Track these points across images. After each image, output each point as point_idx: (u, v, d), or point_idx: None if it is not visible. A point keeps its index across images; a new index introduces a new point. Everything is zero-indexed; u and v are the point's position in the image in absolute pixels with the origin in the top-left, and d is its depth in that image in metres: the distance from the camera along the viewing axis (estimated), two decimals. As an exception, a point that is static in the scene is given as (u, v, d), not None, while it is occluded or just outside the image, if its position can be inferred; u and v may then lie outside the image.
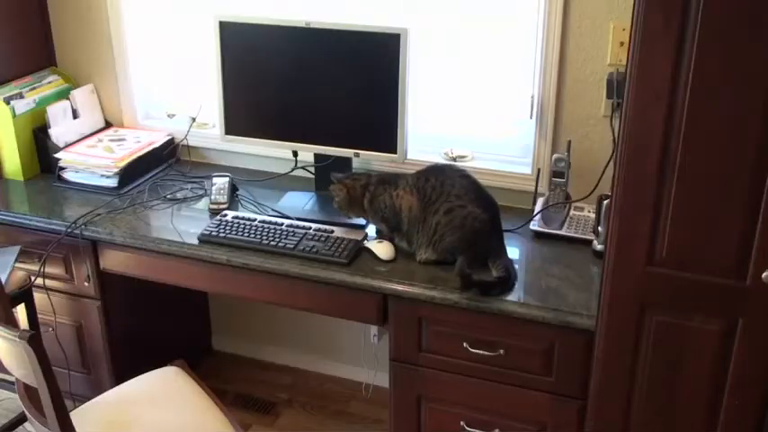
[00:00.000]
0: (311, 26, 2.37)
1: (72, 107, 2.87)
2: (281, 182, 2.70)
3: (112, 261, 2.49)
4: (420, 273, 2.17)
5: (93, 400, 2.24)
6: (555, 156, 2.38)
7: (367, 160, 2.62)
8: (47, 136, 2.79)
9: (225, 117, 2.55)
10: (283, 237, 2.29)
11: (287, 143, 2.54)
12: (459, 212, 2.15)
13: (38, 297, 2.57)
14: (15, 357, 1.82)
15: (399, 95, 2.33)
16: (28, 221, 2.53)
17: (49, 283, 2.56)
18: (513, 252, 2.32)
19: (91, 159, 2.71)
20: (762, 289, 1.70)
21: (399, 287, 2.12)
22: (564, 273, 2.17)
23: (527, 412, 2.16)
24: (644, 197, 1.72)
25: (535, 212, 2.39)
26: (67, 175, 2.74)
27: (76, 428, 1.90)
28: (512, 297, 2.07)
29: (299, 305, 2.40)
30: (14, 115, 2.72)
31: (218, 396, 2.26)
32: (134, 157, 2.73)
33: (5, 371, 2.02)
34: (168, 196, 2.63)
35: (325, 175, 2.57)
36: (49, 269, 2.54)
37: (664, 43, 1.60)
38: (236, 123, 2.55)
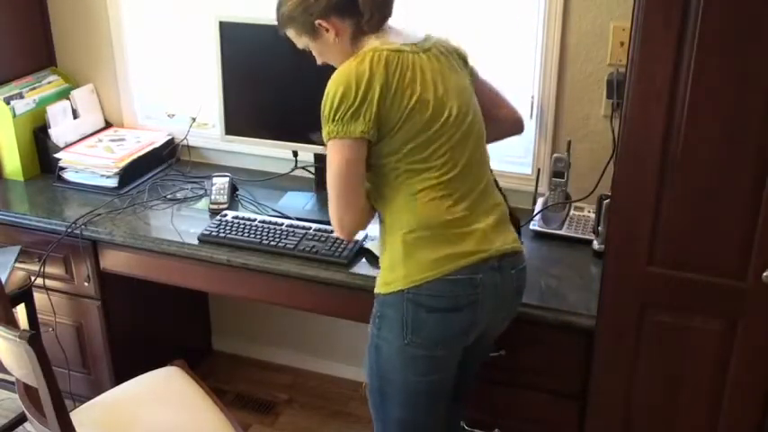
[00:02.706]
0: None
1: (72, 107, 2.87)
2: (281, 182, 2.70)
3: (112, 261, 2.49)
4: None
5: (93, 400, 2.24)
6: (555, 156, 2.38)
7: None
8: (47, 136, 2.79)
9: (225, 117, 2.55)
10: (283, 237, 2.29)
11: (287, 143, 2.54)
12: None
13: (38, 297, 2.57)
14: (15, 357, 1.82)
15: (399, 95, 2.33)
16: (28, 221, 2.53)
17: (48, 283, 2.56)
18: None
19: (91, 159, 2.71)
20: (761, 289, 1.70)
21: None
22: (564, 273, 2.17)
23: (527, 412, 2.16)
24: (644, 197, 1.73)
25: (535, 212, 2.40)
26: (67, 175, 2.74)
27: (76, 428, 1.90)
28: (512, 297, 2.07)
29: (298, 305, 2.40)
30: (14, 115, 2.72)
31: (218, 396, 2.26)
32: (134, 157, 2.73)
33: (5, 371, 2.02)
34: (168, 196, 2.63)
35: (325, 175, 2.57)
36: (49, 269, 2.54)
37: (664, 43, 1.60)
38: (236, 123, 2.55)
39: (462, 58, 1.96)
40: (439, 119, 1.79)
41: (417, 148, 1.78)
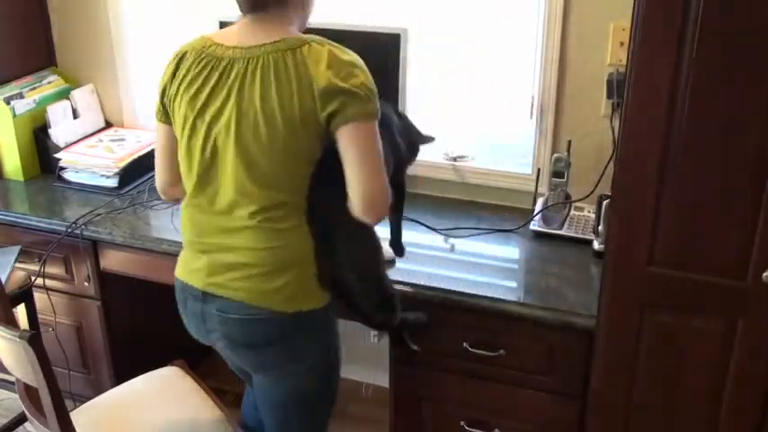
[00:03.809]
0: (311, 26, 2.36)
1: (72, 107, 2.87)
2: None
3: (112, 261, 2.49)
4: (419, 273, 2.17)
5: (93, 400, 2.24)
6: (555, 156, 2.38)
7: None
8: (47, 136, 2.79)
9: (225, 117, 2.54)
10: (283, 237, 2.28)
11: (287, 143, 2.53)
12: None
13: (38, 297, 2.57)
14: (15, 357, 1.82)
15: (399, 96, 2.33)
16: (28, 221, 2.53)
17: (49, 283, 2.56)
18: (512, 252, 2.33)
19: (91, 159, 2.71)
20: (762, 289, 1.70)
21: (399, 287, 2.12)
22: (564, 273, 2.17)
23: (527, 412, 2.16)
24: (644, 197, 1.72)
25: (535, 212, 2.39)
26: (67, 175, 2.74)
27: (76, 428, 1.90)
28: (512, 297, 2.07)
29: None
30: (14, 115, 2.72)
31: (218, 396, 2.26)
32: (134, 157, 2.73)
33: (6, 371, 2.02)
34: (168, 196, 2.63)
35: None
36: (49, 269, 2.54)
37: (664, 43, 1.60)
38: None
39: (310, 88, 1.66)
40: (197, 138, 1.77)
41: (182, 157, 1.83)
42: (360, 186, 1.69)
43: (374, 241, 1.90)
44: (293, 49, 1.68)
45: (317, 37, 1.74)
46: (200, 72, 1.74)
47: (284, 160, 1.71)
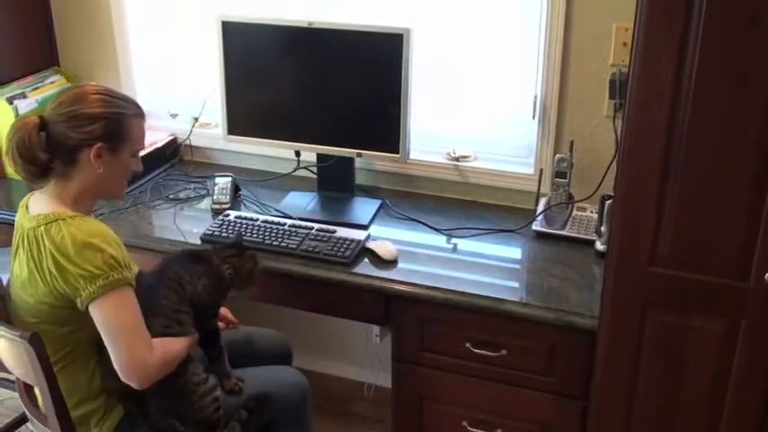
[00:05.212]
0: (314, 26, 2.36)
1: (75, 107, 2.86)
2: (283, 182, 2.70)
3: (115, 261, 2.49)
4: (422, 273, 2.17)
5: (95, 400, 2.24)
6: (557, 156, 2.37)
7: (369, 160, 2.62)
8: (49, 136, 2.79)
9: (227, 117, 2.55)
10: (286, 237, 2.29)
11: (289, 143, 2.54)
12: None
13: (40, 296, 2.57)
14: (16, 357, 1.82)
15: (402, 96, 2.33)
16: (30, 221, 2.53)
17: (51, 282, 2.56)
18: (515, 252, 2.33)
19: (93, 159, 2.71)
20: (764, 289, 1.69)
21: (401, 287, 2.12)
22: (566, 273, 2.17)
23: (529, 412, 2.15)
24: (646, 197, 1.72)
25: (537, 213, 2.39)
26: (70, 175, 2.74)
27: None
28: (514, 297, 2.07)
29: (301, 305, 2.40)
30: (17, 115, 2.72)
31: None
32: (136, 156, 2.73)
33: (8, 370, 2.02)
34: (171, 196, 2.63)
35: (328, 175, 2.58)
36: (51, 269, 2.54)
37: (666, 44, 1.60)
38: (238, 123, 2.55)
39: (51, 267, 1.79)
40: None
41: None
42: (113, 358, 1.80)
43: (188, 388, 1.94)
44: (44, 226, 1.81)
45: (68, 213, 1.84)
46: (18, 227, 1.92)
47: (43, 329, 1.83)
